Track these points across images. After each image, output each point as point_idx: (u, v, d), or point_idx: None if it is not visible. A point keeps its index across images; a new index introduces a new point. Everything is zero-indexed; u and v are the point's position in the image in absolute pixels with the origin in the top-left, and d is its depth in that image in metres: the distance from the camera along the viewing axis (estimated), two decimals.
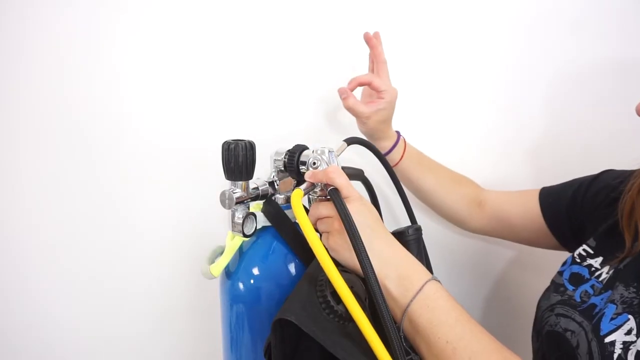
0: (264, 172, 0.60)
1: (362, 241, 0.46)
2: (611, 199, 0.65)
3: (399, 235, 0.61)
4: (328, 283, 0.47)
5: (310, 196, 0.57)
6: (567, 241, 0.71)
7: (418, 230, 0.62)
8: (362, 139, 0.64)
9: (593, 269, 0.62)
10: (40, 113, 0.73)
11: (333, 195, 0.50)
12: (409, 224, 0.69)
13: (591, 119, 0.85)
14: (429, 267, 0.62)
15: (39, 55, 0.71)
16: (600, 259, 0.62)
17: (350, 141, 0.62)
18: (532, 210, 0.73)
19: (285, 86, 0.80)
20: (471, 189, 0.82)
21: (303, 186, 0.53)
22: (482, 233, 0.81)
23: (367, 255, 0.45)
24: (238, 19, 0.76)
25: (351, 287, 0.46)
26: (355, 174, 0.66)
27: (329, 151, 0.55)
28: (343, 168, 0.62)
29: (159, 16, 0.73)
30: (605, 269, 0.61)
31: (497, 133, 0.87)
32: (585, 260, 0.63)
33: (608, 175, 0.68)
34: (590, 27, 0.83)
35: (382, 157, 0.67)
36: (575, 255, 0.65)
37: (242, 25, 0.76)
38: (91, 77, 0.72)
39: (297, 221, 0.63)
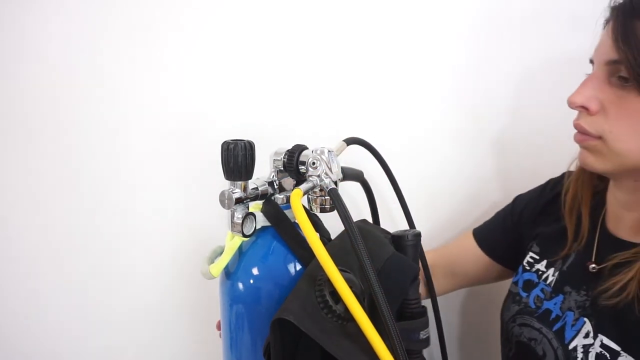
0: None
1: (362, 241, 0.46)
2: (539, 207, 0.70)
3: (398, 239, 0.60)
4: (327, 282, 0.47)
5: (310, 196, 0.57)
6: (513, 263, 0.74)
7: (417, 236, 0.61)
8: (362, 139, 0.64)
9: (540, 272, 0.65)
10: (39, 113, 0.73)
11: (332, 194, 0.50)
12: (406, 227, 0.69)
13: (556, 112, 0.81)
14: (427, 272, 0.62)
15: (38, 54, 0.71)
16: (544, 262, 0.65)
17: (350, 141, 0.62)
18: (475, 254, 0.77)
19: (285, 85, 0.80)
20: None
21: (302, 186, 0.53)
22: (445, 293, 0.81)
23: (367, 254, 0.46)
24: (240, 17, 0.76)
25: (350, 287, 0.46)
26: (354, 175, 0.66)
27: (329, 151, 0.55)
28: (343, 168, 0.62)
29: (158, 13, 0.73)
30: (551, 270, 0.64)
31: (464, 129, 0.87)
32: (533, 267, 0.67)
33: (521, 198, 0.75)
34: (557, 20, 0.82)
35: (381, 160, 0.67)
36: (524, 263, 0.68)
37: (243, 23, 0.76)
38: (91, 76, 0.72)
39: (296, 221, 0.63)
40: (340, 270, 0.48)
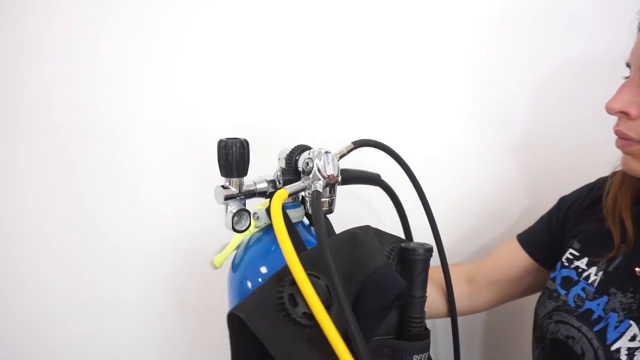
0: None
1: (327, 247, 0.44)
2: (584, 206, 0.69)
3: (405, 251, 0.56)
4: (290, 285, 0.46)
5: (307, 197, 0.56)
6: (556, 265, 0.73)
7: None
8: (373, 140, 0.60)
9: (580, 269, 0.64)
10: (39, 113, 0.74)
11: (313, 196, 0.49)
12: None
13: (578, 116, 0.84)
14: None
15: (39, 54, 0.73)
16: (585, 260, 0.64)
17: (359, 144, 0.59)
18: (519, 257, 0.75)
19: (299, 88, 0.79)
20: (450, 270, 0.78)
21: (290, 186, 0.52)
22: (490, 307, 0.79)
23: (333, 262, 0.44)
24: (244, 16, 0.76)
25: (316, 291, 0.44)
26: (372, 179, 0.63)
27: (325, 152, 0.54)
28: (350, 171, 0.60)
29: (158, 13, 0.74)
30: (593, 270, 0.62)
31: (484, 133, 0.85)
32: (572, 263, 0.65)
33: (567, 198, 0.73)
34: (579, 23, 0.80)
35: (401, 161, 0.63)
36: (563, 259, 0.67)
37: (248, 22, 0.76)
38: (91, 76, 0.73)
39: (295, 221, 0.62)
40: (310, 275, 0.47)
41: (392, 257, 0.56)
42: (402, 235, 0.68)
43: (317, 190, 0.50)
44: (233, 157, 0.53)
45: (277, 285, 0.46)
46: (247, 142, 0.54)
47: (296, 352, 0.44)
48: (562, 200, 0.74)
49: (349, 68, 0.80)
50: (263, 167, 0.58)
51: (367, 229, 0.57)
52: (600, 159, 0.80)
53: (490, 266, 0.78)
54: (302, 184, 0.53)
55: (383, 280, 0.51)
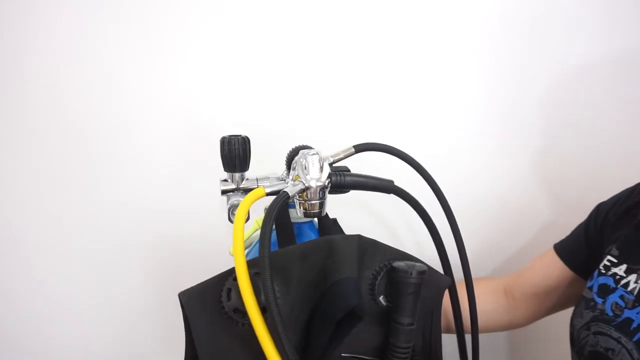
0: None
1: (268, 253, 0.45)
2: (622, 210, 0.66)
3: (393, 271, 0.51)
4: (234, 280, 0.48)
5: (297, 199, 0.55)
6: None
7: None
8: (379, 144, 0.56)
9: (618, 277, 0.62)
10: (38, 111, 0.75)
11: (277, 198, 0.49)
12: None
13: (590, 118, 0.83)
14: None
15: (37, 54, 0.73)
16: (624, 267, 0.62)
17: (362, 148, 0.56)
18: (555, 267, 0.73)
19: (296, 84, 0.78)
20: (487, 283, 0.79)
21: (271, 185, 0.53)
22: (529, 321, 0.76)
23: (268, 262, 0.44)
24: (247, 19, 0.76)
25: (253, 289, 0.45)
26: (380, 186, 0.58)
27: (313, 154, 0.53)
28: (357, 176, 0.57)
29: (158, 12, 0.75)
30: (632, 277, 0.60)
31: (496, 135, 0.85)
32: (610, 270, 0.63)
33: (605, 204, 0.71)
34: (588, 25, 0.79)
35: (418, 166, 0.57)
36: (600, 267, 0.65)
37: (252, 25, 0.76)
38: (89, 74, 0.75)
39: (300, 221, 0.63)
40: (257, 274, 0.48)
41: (381, 274, 0.52)
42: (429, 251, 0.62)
43: (285, 191, 0.50)
44: (228, 153, 0.57)
45: (225, 279, 0.49)
46: (247, 139, 0.57)
47: (223, 346, 0.46)
48: (601, 206, 0.71)
49: (352, 72, 0.80)
50: (266, 166, 0.61)
51: (352, 238, 0.54)
52: (602, 160, 0.81)
53: (526, 278, 0.75)
54: (283, 184, 0.54)
55: (336, 295, 0.48)
